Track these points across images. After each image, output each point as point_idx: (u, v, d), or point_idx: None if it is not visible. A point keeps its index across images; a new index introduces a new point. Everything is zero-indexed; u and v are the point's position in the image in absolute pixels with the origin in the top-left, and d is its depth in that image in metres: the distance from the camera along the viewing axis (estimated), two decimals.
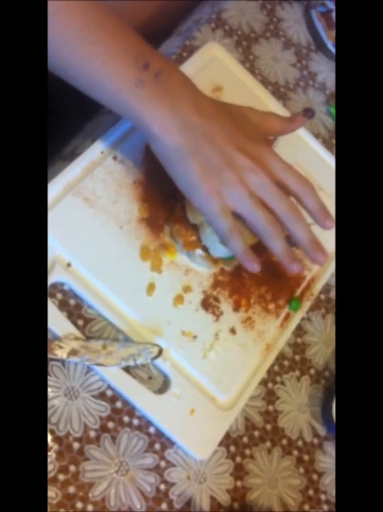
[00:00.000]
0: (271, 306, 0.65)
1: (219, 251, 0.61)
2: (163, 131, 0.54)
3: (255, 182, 0.55)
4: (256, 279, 0.65)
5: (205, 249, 0.61)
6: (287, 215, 0.56)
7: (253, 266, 0.56)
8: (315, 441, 0.65)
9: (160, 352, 0.57)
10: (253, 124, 0.60)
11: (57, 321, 0.55)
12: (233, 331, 0.62)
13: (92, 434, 0.55)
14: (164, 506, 0.56)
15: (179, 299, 0.60)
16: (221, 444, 0.59)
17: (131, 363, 0.56)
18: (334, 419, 0.64)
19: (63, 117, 0.73)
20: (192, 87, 0.57)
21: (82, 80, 0.56)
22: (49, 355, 0.54)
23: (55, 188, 0.59)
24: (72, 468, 0.53)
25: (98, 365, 0.55)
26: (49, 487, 0.52)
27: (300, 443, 0.64)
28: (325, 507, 0.63)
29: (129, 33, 0.56)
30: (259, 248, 0.58)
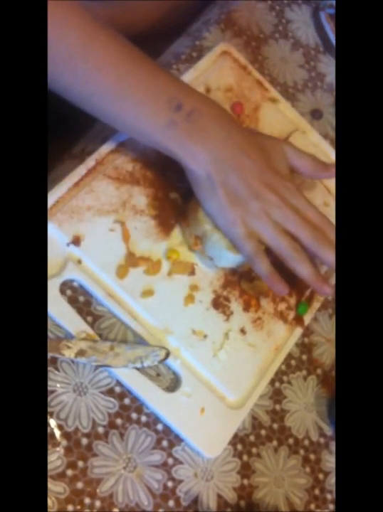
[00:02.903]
0: (281, 306, 0.66)
1: (223, 261, 0.61)
2: (194, 165, 0.58)
3: (278, 214, 0.58)
4: None
5: (210, 258, 0.61)
6: (312, 241, 0.58)
7: (280, 287, 0.58)
8: (321, 440, 0.65)
9: (167, 355, 0.57)
10: (286, 160, 0.63)
11: (69, 319, 0.55)
12: (243, 330, 0.63)
13: (101, 430, 0.55)
14: (171, 503, 0.56)
15: (189, 298, 0.61)
16: (228, 442, 0.59)
17: (138, 364, 0.56)
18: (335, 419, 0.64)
19: (73, 116, 0.72)
20: (225, 122, 0.59)
21: (118, 125, 0.59)
22: (57, 355, 0.54)
23: (66, 186, 0.59)
24: (80, 463, 0.53)
25: (105, 366, 0.55)
26: (57, 482, 0.52)
27: (306, 442, 0.64)
28: (331, 506, 0.64)
29: (162, 76, 0.58)
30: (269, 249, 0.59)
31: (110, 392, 0.56)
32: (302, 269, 0.58)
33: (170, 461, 0.57)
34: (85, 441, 0.54)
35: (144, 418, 0.57)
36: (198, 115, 0.57)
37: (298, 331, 0.66)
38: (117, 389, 0.57)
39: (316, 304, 0.69)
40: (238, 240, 0.58)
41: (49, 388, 0.54)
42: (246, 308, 0.64)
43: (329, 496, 0.64)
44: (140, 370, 0.57)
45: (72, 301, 0.57)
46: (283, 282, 0.58)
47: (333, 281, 0.71)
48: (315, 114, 0.81)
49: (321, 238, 0.59)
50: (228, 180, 0.57)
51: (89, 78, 0.55)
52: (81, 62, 0.54)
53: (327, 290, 0.59)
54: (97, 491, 0.53)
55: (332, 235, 0.59)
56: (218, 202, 0.58)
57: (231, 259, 0.60)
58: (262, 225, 0.58)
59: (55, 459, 0.52)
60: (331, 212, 0.64)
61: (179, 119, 0.57)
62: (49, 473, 0.52)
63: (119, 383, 0.57)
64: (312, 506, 0.63)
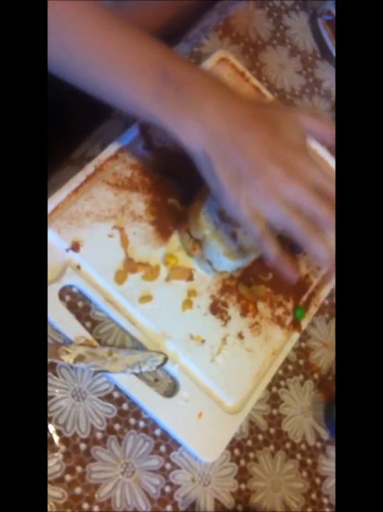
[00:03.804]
0: (278, 311, 0.66)
1: (222, 265, 0.61)
2: (188, 140, 0.53)
3: (288, 192, 0.53)
4: (264, 285, 0.66)
5: (209, 262, 0.62)
6: (330, 219, 0.53)
7: (290, 272, 0.54)
8: (318, 445, 0.66)
9: (165, 360, 0.57)
10: (299, 130, 0.56)
11: (68, 324, 0.56)
12: (240, 335, 0.63)
13: (99, 435, 0.55)
14: (168, 508, 0.56)
15: (187, 304, 0.61)
16: (225, 447, 0.59)
17: (136, 370, 0.56)
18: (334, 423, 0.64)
19: (72, 122, 0.73)
20: (220, 92, 0.54)
21: (105, 95, 0.56)
22: (56, 360, 0.54)
23: (65, 192, 0.60)
24: (78, 469, 0.54)
25: (104, 371, 0.56)
26: (56, 487, 0.52)
27: (303, 447, 0.65)
28: (327, 510, 0.64)
29: (149, 44, 0.54)
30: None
31: (109, 397, 0.57)
32: (320, 250, 0.53)
33: (168, 466, 0.57)
34: (83, 446, 0.54)
35: (142, 423, 0.57)
36: (188, 86, 0.52)
37: (295, 335, 0.66)
38: (116, 394, 0.57)
39: (313, 309, 0.69)
40: (243, 221, 0.54)
41: (48, 393, 0.54)
42: (244, 313, 0.64)
43: (325, 500, 0.64)
44: (138, 375, 0.57)
45: (71, 306, 0.58)
46: (293, 266, 0.54)
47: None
48: None
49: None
50: (227, 156, 0.52)
51: (66, 44, 0.52)
52: (57, 29, 0.51)
53: None
54: (96, 496, 0.53)
55: None
56: (217, 182, 0.53)
57: (229, 264, 0.61)
58: (268, 205, 0.52)
59: (53, 464, 0.53)
60: None
61: (167, 91, 0.52)
62: (48, 479, 0.52)
63: (117, 388, 0.57)
64: (309, 510, 0.63)
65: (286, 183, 0.52)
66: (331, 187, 0.54)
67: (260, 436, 0.63)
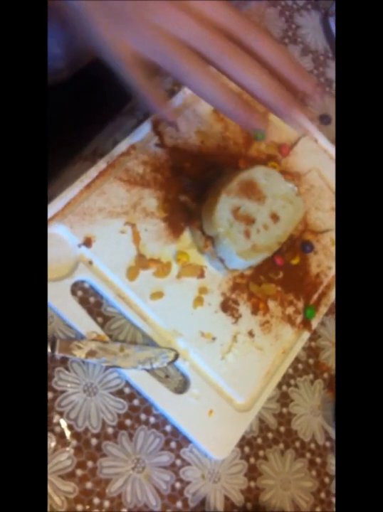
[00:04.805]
0: (289, 310, 0.66)
1: (234, 263, 0.61)
2: None
3: (175, 29, 0.44)
4: (274, 283, 0.66)
5: (221, 260, 0.62)
6: (227, 56, 0.44)
7: (161, 111, 0.48)
8: (328, 444, 0.66)
9: (176, 357, 0.57)
10: None
11: (80, 319, 0.56)
12: (251, 333, 0.63)
13: (110, 430, 0.55)
14: (178, 504, 0.56)
15: (198, 301, 0.61)
16: (235, 444, 0.59)
17: (147, 366, 0.56)
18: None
19: (84, 118, 0.73)
20: None
21: None
22: (68, 355, 0.54)
23: (77, 188, 0.60)
24: (89, 463, 0.54)
25: (115, 366, 0.56)
26: (67, 482, 0.52)
27: (312, 446, 0.65)
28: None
29: None
30: (276, 252, 0.59)
31: (120, 393, 0.57)
32: (204, 86, 0.45)
33: (178, 462, 0.57)
34: (94, 441, 0.54)
35: (152, 419, 0.57)
36: None
37: (305, 334, 0.66)
38: (127, 390, 0.57)
39: (323, 309, 0.69)
40: (118, 68, 0.47)
41: (60, 388, 0.54)
42: (255, 311, 0.64)
43: (334, 500, 0.64)
44: (149, 371, 0.57)
45: (83, 302, 0.58)
46: (167, 105, 0.49)
47: None
48: (324, 120, 0.82)
49: (238, 53, 0.44)
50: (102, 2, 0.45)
51: None
52: None
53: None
54: (106, 491, 0.53)
55: (273, 50, 0.44)
56: (92, 29, 0.46)
57: (241, 262, 0.61)
58: (145, 41, 0.45)
59: (65, 458, 0.53)
60: None
61: None
62: (59, 473, 0.52)
63: (128, 384, 0.57)
64: (318, 509, 0.63)
65: (172, 17, 0.44)
66: (241, 26, 0.45)
67: (269, 435, 0.63)
